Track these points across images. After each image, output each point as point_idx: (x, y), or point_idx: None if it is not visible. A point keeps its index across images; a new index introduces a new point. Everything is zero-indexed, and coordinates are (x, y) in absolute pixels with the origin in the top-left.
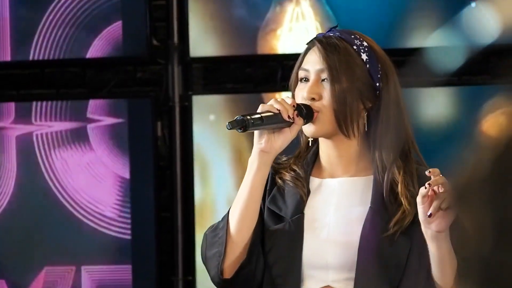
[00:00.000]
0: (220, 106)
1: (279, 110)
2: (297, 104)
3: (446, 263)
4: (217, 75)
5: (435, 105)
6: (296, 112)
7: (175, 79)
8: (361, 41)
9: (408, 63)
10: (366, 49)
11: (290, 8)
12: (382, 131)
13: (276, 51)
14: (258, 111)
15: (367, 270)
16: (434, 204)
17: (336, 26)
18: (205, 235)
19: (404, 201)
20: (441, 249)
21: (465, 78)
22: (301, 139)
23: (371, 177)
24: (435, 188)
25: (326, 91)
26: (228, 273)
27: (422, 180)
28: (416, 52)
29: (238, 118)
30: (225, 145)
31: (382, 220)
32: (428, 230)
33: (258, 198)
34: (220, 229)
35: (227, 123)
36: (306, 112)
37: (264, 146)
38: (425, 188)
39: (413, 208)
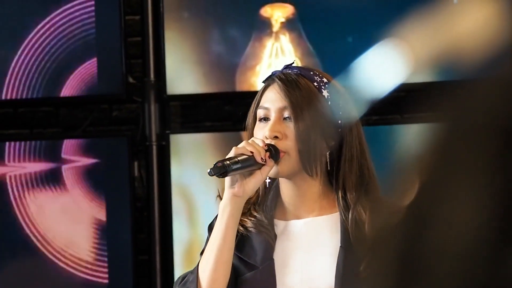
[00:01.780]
0: (198, 145)
1: (252, 153)
2: (267, 144)
3: None
4: (195, 113)
5: None
6: (268, 153)
7: (152, 118)
8: (321, 78)
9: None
10: (326, 85)
11: (269, 44)
12: (346, 171)
13: (256, 88)
14: (231, 155)
15: None
16: None
17: (293, 63)
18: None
19: None
20: None
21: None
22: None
23: (337, 214)
24: None
25: (289, 130)
26: None
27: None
28: None
29: (219, 164)
30: (207, 183)
31: (355, 259)
32: None
33: (231, 245)
34: (190, 282)
35: (209, 170)
36: (274, 153)
37: (237, 190)
38: None
39: None
